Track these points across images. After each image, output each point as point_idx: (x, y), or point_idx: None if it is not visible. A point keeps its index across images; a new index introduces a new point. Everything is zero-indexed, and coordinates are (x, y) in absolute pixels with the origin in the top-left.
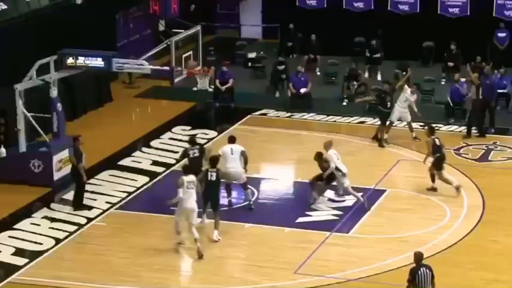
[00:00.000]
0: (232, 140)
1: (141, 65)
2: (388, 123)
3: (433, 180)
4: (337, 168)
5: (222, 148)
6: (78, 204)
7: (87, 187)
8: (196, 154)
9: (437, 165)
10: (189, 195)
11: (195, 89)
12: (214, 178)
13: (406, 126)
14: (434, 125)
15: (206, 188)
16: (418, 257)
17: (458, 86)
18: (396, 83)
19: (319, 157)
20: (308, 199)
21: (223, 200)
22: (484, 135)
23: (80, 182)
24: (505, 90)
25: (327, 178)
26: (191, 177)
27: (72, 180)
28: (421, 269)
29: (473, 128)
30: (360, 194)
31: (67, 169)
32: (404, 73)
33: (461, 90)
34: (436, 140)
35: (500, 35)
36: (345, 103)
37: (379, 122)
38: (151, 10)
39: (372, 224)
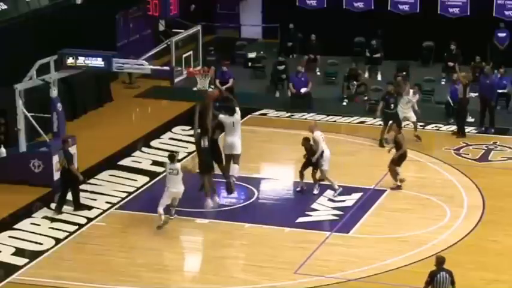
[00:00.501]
0: (232, 112)
1: (141, 65)
2: (389, 124)
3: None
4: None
5: (222, 118)
6: (77, 205)
7: (87, 187)
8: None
9: (399, 161)
10: (173, 181)
11: (195, 89)
12: (207, 144)
13: (411, 125)
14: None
15: (202, 157)
16: (439, 260)
17: (457, 86)
18: (399, 87)
19: (307, 141)
20: (296, 188)
21: (223, 200)
22: (465, 134)
23: (75, 183)
24: (505, 90)
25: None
26: (175, 166)
27: (62, 182)
28: (441, 273)
29: (470, 126)
30: (336, 182)
31: None
32: (404, 73)
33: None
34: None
35: (500, 35)
36: (345, 103)
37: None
38: (151, 12)
39: (372, 224)
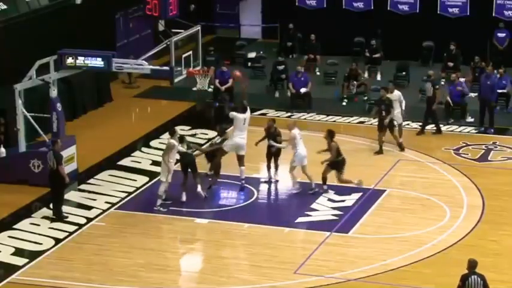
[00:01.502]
0: (245, 109)
1: (140, 65)
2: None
3: (324, 182)
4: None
5: (234, 114)
6: (58, 213)
7: (87, 187)
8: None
9: (339, 168)
10: None
11: (194, 89)
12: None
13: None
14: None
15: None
16: (471, 264)
17: (459, 87)
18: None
19: (274, 122)
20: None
21: (223, 200)
22: (441, 131)
23: (61, 184)
24: (504, 90)
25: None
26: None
27: (50, 184)
28: (472, 277)
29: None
30: (297, 180)
31: (67, 168)
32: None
33: (461, 90)
34: (337, 144)
35: (500, 35)
36: (344, 103)
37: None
38: (150, 12)
39: (372, 224)
